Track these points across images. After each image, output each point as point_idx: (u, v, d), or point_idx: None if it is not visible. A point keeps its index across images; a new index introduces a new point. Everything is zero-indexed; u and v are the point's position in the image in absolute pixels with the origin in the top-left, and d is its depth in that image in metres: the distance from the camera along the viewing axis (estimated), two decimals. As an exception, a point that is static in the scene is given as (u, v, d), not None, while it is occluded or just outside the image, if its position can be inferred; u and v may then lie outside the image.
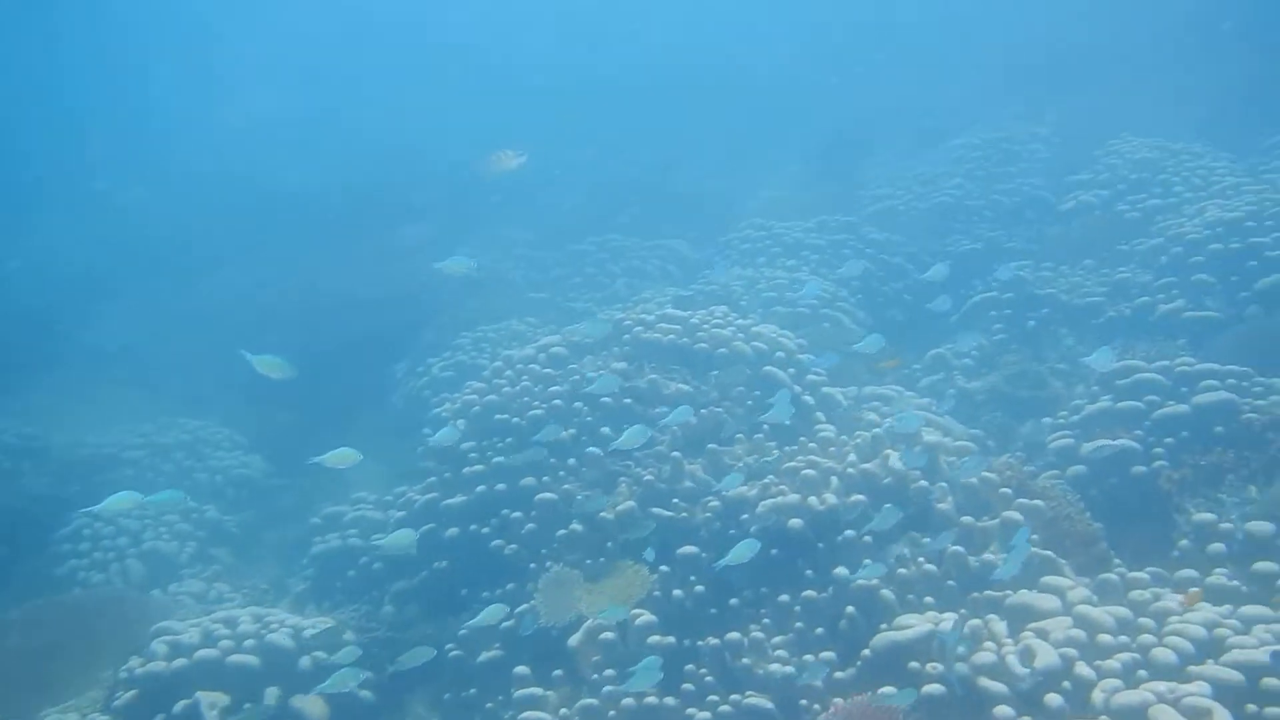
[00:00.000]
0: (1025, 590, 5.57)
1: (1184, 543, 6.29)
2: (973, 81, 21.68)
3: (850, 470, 6.38)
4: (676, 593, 6.35)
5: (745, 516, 6.53)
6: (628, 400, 7.82)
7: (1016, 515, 6.00)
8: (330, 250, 16.61)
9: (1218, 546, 6.05)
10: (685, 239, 16.13)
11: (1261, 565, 5.73)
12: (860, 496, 6.14)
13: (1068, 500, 6.65)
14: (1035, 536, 5.91)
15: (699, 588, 6.36)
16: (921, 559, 5.84)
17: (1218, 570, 5.85)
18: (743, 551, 5.79)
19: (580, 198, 19.45)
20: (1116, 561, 6.21)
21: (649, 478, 7.03)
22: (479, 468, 7.76)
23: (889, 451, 6.43)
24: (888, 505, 5.93)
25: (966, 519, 6.06)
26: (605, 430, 7.60)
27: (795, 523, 6.15)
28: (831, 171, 19.03)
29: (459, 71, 29.14)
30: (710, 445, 7.26)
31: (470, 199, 18.54)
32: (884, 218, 15.12)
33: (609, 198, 18.92)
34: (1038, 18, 23.27)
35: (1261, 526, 5.93)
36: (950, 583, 5.74)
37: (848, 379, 9.37)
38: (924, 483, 6.18)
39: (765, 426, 7.56)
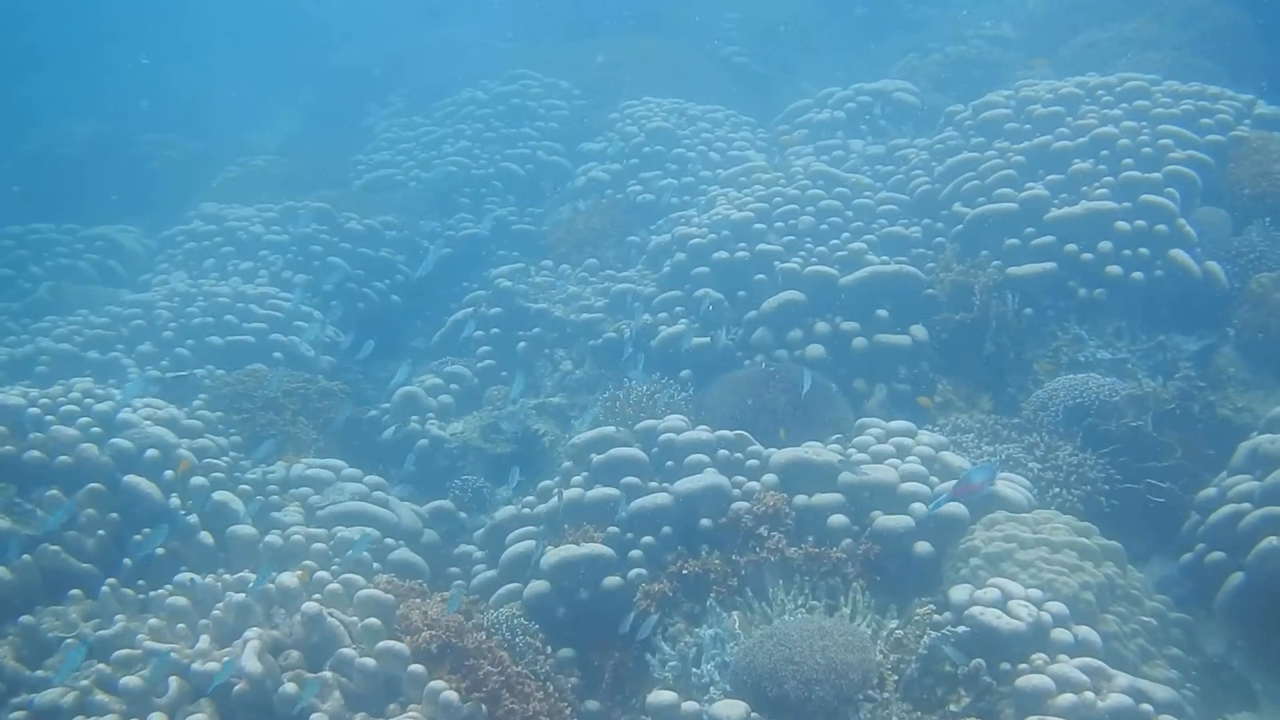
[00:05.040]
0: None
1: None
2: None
3: (197, 666, 4.97)
4: None
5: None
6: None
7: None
8: None
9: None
10: (135, 226, 13.82)
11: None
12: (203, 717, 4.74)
13: (511, 660, 5.68)
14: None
15: None
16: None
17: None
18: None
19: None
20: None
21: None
22: None
23: (251, 639, 5.05)
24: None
25: (357, 721, 4.85)
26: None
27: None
28: (327, 127, 17.48)
29: None
30: (24, 618, 5.59)
31: None
32: (379, 190, 13.79)
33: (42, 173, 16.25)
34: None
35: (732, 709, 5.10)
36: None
37: (278, 448, 8.01)
38: (290, 688, 4.87)
39: (127, 562, 6.06)
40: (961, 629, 5.58)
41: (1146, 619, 6.32)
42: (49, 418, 6.76)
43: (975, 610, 5.59)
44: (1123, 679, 5.34)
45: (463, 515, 8.02)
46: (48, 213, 13.75)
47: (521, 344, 9.91)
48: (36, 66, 21.81)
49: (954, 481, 6.44)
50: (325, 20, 23.59)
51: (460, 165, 13.74)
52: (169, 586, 5.82)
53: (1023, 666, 5.35)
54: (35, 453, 6.52)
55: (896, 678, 5.53)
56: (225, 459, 7.33)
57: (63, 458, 6.51)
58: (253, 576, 5.60)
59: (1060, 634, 5.56)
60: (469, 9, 22.51)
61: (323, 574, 5.76)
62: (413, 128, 15.25)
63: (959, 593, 5.80)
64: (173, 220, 13.26)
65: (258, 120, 20.93)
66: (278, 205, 12.53)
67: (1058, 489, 7.22)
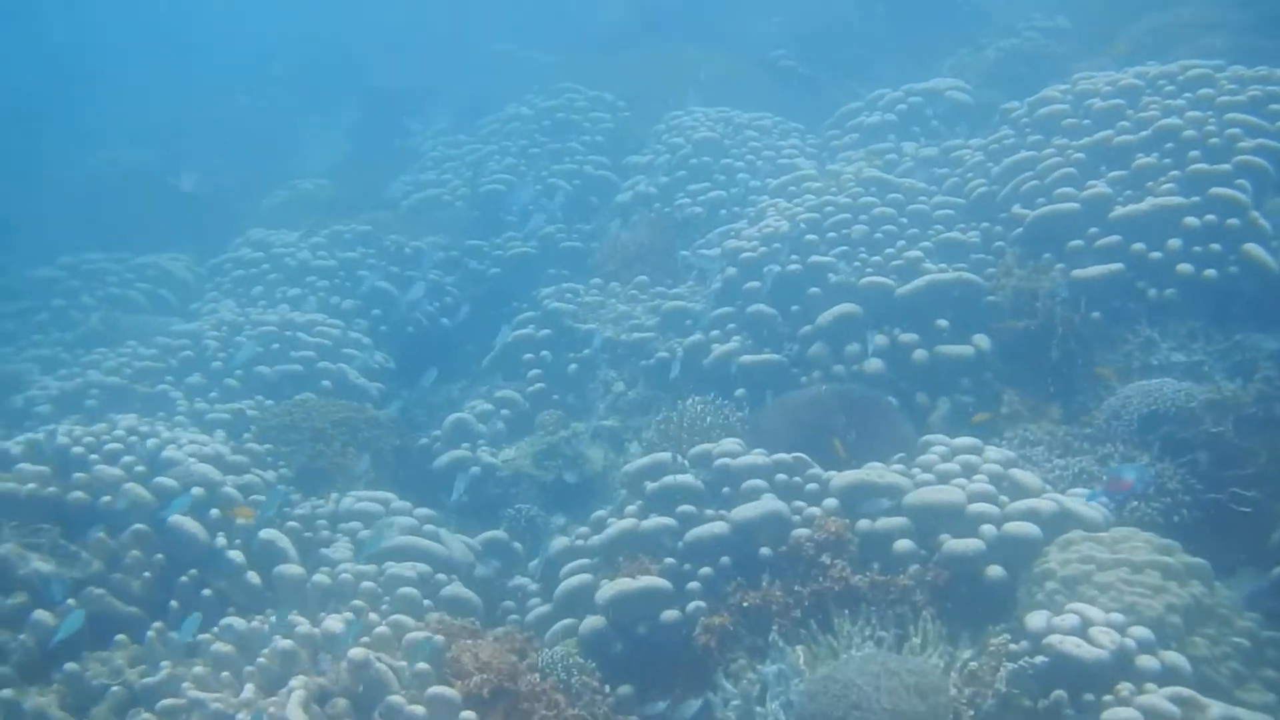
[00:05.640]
0: None
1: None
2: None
3: (243, 717, 4.82)
4: None
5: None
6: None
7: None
8: None
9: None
10: (185, 254, 13.78)
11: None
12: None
13: (568, 702, 5.49)
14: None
15: None
16: None
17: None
18: None
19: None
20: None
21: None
22: None
23: (296, 688, 4.89)
24: None
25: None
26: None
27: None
28: (373, 148, 17.47)
29: None
30: (69, 665, 5.48)
31: None
32: (426, 211, 13.66)
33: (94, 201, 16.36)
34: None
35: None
36: None
37: (327, 481, 7.88)
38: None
39: (174, 604, 5.94)
40: (1039, 659, 5.30)
41: (1238, 640, 5.97)
42: (93, 456, 6.67)
43: (1054, 638, 5.30)
44: (1216, 708, 5.02)
45: (517, 546, 7.82)
46: (100, 241, 13.83)
47: (573, 366, 9.72)
48: (87, 93, 22.06)
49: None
50: (370, 40, 23.59)
51: (506, 183, 13.56)
52: (214, 630, 5.68)
53: (1107, 698, 5.07)
54: (79, 493, 6.42)
55: (972, 713, 5.26)
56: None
57: (106, 498, 6.40)
58: (301, 620, 5.46)
59: (1146, 661, 5.25)
60: (512, 23, 22.41)
61: (371, 616, 5.60)
62: (457, 146, 15.13)
63: (1035, 619, 5.51)
64: (222, 247, 13.23)
65: (305, 143, 21.01)
66: (324, 230, 12.44)
67: (1136, 502, 6.88)
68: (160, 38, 26.78)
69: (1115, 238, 8.49)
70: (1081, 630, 5.35)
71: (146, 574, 6.21)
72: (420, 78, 20.09)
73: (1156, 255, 8.33)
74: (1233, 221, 8.30)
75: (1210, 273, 8.20)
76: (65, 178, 18.03)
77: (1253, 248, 8.19)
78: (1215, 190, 8.43)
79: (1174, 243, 8.32)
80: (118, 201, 16.42)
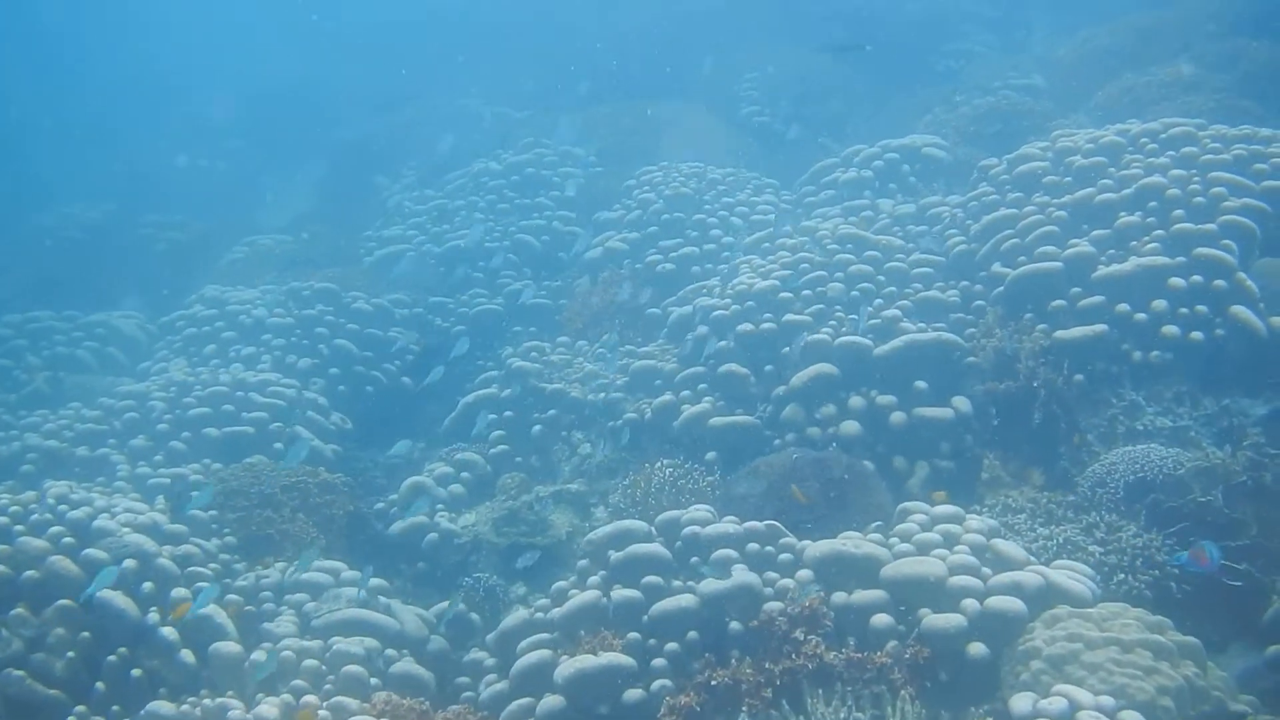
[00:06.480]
0: None
1: None
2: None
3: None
4: None
5: None
6: None
7: None
8: None
9: None
10: (139, 311, 13.47)
11: None
12: None
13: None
14: None
15: None
16: None
17: None
18: None
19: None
20: None
21: None
22: None
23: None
24: None
25: None
26: None
27: None
28: (338, 203, 17.25)
29: None
30: (-20, 755, 5.11)
31: None
32: (390, 268, 13.36)
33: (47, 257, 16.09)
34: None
35: None
36: None
37: (275, 549, 7.54)
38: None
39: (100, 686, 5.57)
40: (1026, 746, 5.02)
41: (1233, 724, 5.71)
42: (17, 528, 6.31)
43: (1041, 724, 5.03)
44: (1212, 801, 4.75)
45: (474, 617, 7.48)
46: (52, 298, 13.53)
47: (537, 427, 9.42)
48: (44, 146, 21.88)
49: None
50: (338, 93, 23.42)
51: (474, 240, 13.28)
52: (140, 716, 5.32)
53: (1098, 789, 4.79)
54: (0, 567, 6.06)
55: (954, 804, 4.96)
56: (213, 565, 6.83)
57: (30, 572, 6.05)
58: (234, 703, 5.11)
59: (1138, 749, 4.99)
60: (482, 79, 22.32)
61: (310, 698, 5.25)
62: (424, 201, 14.88)
63: (1020, 702, 5.24)
64: (179, 303, 12.91)
65: (267, 197, 20.77)
66: (282, 286, 12.16)
67: (1123, 575, 6.64)
68: (123, 89, 26.63)
69: (1099, 298, 8.31)
70: (1069, 714, 5.09)
71: (71, 654, 5.84)
72: (389, 133, 19.91)
73: (1141, 316, 8.16)
74: (1219, 283, 8.14)
75: (1196, 335, 8.02)
76: (19, 233, 17.76)
77: (1240, 310, 8.01)
78: (1201, 250, 8.27)
79: (1159, 304, 8.15)
80: (76, 257, 16.16)
